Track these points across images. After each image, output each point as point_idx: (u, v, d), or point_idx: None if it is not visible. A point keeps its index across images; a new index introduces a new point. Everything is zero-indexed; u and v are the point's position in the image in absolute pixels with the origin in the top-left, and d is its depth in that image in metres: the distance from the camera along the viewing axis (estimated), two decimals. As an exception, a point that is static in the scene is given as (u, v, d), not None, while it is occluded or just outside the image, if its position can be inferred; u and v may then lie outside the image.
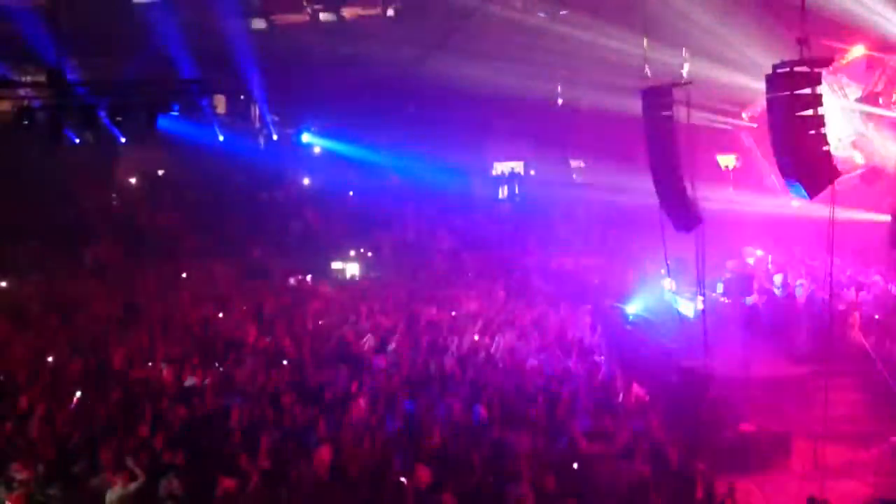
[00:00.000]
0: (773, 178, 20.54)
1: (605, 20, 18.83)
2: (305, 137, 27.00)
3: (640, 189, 16.49)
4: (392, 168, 25.44)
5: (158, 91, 16.22)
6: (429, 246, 23.80)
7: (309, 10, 20.36)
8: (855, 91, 19.34)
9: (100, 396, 13.67)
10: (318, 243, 23.36)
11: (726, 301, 18.82)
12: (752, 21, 17.24)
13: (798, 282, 19.13)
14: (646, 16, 15.58)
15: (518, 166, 28.62)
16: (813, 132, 10.53)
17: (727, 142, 23.93)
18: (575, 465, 11.26)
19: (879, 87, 18.99)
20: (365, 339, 16.57)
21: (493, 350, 15.97)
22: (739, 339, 17.19)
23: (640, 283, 19.90)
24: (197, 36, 18.85)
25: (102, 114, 15.18)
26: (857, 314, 16.88)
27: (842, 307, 17.15)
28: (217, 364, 15.70)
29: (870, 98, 19.10)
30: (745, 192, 23.25)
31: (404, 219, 24.97)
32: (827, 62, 10.69)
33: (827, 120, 10.56)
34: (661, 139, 14.29)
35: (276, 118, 25.57)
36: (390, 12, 20.69)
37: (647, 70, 15.19)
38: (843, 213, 15.68)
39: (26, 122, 15.08)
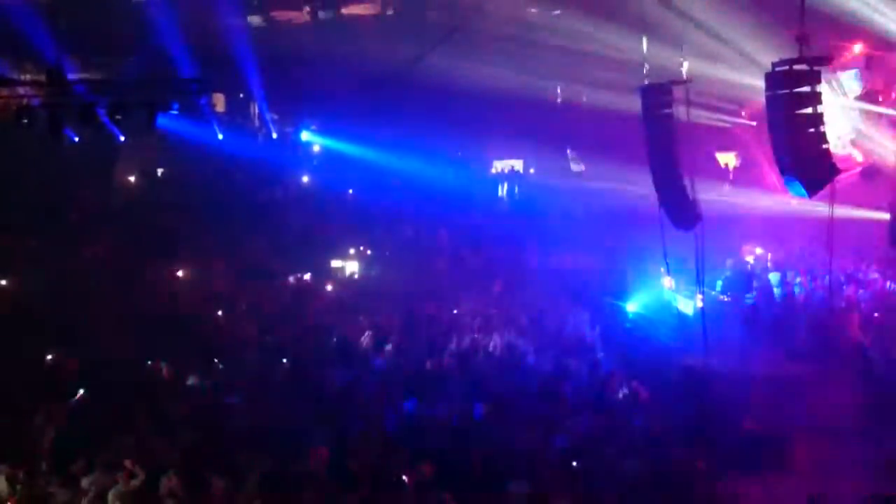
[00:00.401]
0: (773, 176, 20.54)
1: (604, 18, 18.82)
2: (305, 136, 27.01)
3: (640, 187, 16.50)
4: (391, 166, 25.41)
5: (158, 89, 16.20)
6: (428, 244, 23.78)
7: (308, 8, 20.36)
8: (854, 89, 19.35)
9: (100, 395, 13.66)
10: (318, 241, 23.33)
11: (726, 299, 18.83)
12: (751, 19, 17.24)
13: (797, 279, 19.14)
14: (645, 14, 15.58)
15: (517, 164, 28.64)
16: (812, 130, 10.52)
17: (727, 140, 23.95)
18: (574, 463, 11.27)
19: (878, 86, 19.01)
20: (364, 337, 16.58)
21: (491, 348, 15.97)
22: (739, 336, 17.21)
23: (640, 280, 19.90)
24: (196, 34, 18.83)
25: (102, 112, 15.16)
26: (856, 312, 16.89)
27: (841, 305, 17.16)
28: (217, 362, 15.70)
29: (869, 96, 19.11)
30: (745, 190, 23.28)
31: (403, 217, 24.96)
32: (826, 60, 10.68)
33: (826, 118, 10.55)
34: (661, 137, 14.29)
35: (276, 116, 25.59)
36: (389, 11, 20.70)
37: (647, 68, 15.19)
38: (843, 211, 15.69)
39: (26, 121, 15.05)
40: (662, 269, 18.25)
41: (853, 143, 19.93)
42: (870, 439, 12.87)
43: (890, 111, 18.68)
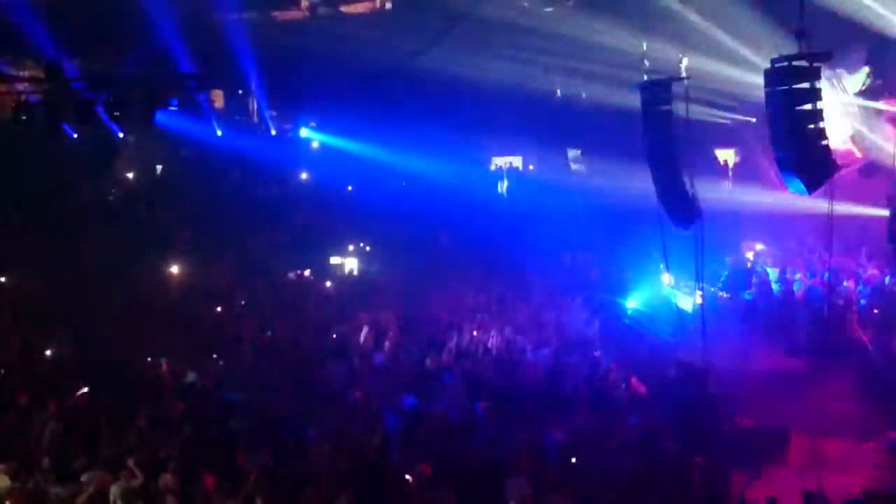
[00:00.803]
0: (772, 172, 20.53)
1: (603, 14, 18.80)
2: (303, 132, 26.97)
3: (639, 183, 16.48)
4: (390, 163, 25.39)
5: (156, 86, 16.19)
6: (427, 241, 23.77)
7: (307, 4, 20.31)
8: (854, 85, 19.34)
9: (99, 391, 13.66)
10: (317, 238, 23.32)
11: (725, 296, 18.83)
12: (750, 15, 17.22)
13: (796, 276, 19.14)
14: (644, 10, 15.56)
15: (516, 161, 28.61)
16: (812, 126, 10.51)
17: (726, 136, 23.91)
18: (573, 460, 11.28)
19: (878, 82, 18.99)
20: (363, 334, 16.58)
21: (490, 345, 15.97)
22: (738, 333, 17.22)
23: (639, 277, 19.90)
24: (195, 31, 18.80)
25: (100, 109, 15.15)
26: (855, 308, 16.90)
27: (840, 301, 17.16)
28: (216, 359, 15.70)
29: (869, 92, 19.10)
30: (744, 187, 23.25)
31: (403, 214, 24.94)
32: (826, 56, 10.66)
33: (826, 115, 10.54)
34: (660, 134, 14.26)
35: (274, 113, 25.55)
36: (388, 6, 20.66)
37: (646, 64, 15.17)
38: (842, 208, 15.68)
39: (24, 117, 15.05)
40: (661, 266, 18.25)
41: (852, 139, 19.91)
42: (868, 434, 12.89)
43: (889, 108, 18.66)
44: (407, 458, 11.07)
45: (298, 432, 12.12)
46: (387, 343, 16.20)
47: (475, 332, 16.64)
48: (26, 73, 18.76)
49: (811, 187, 10.68)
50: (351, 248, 23.73)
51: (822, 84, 10.53)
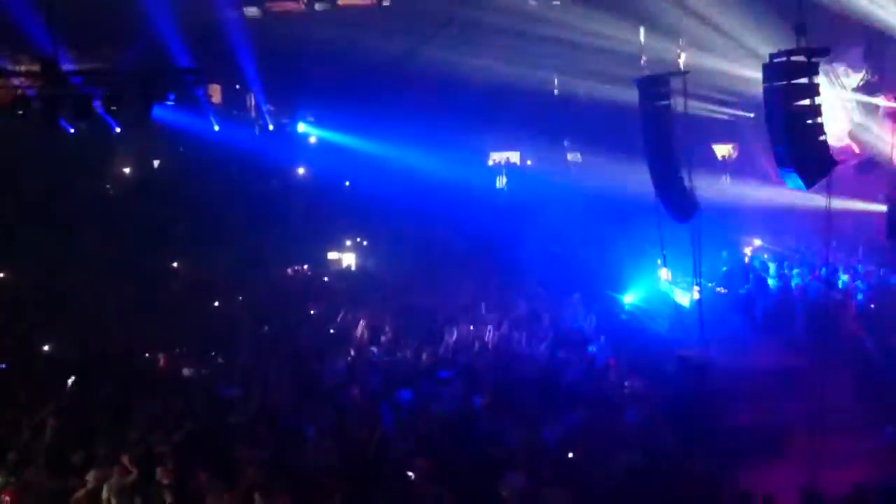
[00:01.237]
0: (770, 167, 20.52)
1: (601, 9, 18.77)
2: (301, 127, 26.93)
3: (637, 178, 16.47)
4: (388, 158, 25.37)
5: (153, 81, 16.12)
6: (425, 236, 23.76)
7: (304, -1, 20.30)
8: (852, 81, 19.33)
9: (97, 386, 13.65)
10: (314, 233, 23.31)
11: (723, 291, 18.84)
12: (748, 9, 17.20)
13: (794, 271, 19.15)
14: (642, 5, 15.53)
15: (514, 156, 28.60)
16: (810, 122, 10.50)
17: (724, 131, 23.92)
18: (570, 455, 11.28)
19: (876, 77, 18.98)
20: (360, 329, 16.57)
21: (488, 339, 15.97)
22: (736, 328, 17.24)
23: (637, 272, 19.90)
24: (192, 25, 18.76)
25: (97, 103, 15.10)
26: (853, 303, 16.91)
27: (838, 296, 17.17)
28: (214, 354, 15.70)
29: (867, 88, 19.09)
30: (742, 182, 23.26)
31: (400, 209, 24.92)
32: (824, 51, 10.65)
33: (824, 110, 10.53)
34: (658, 129, 14.27)
35: (272, 108, 25.50)
36: (386, 1, 20.62)
37: (644, 59, 15.17)
38: (840, 203, 15.68)
39: (21, 112, 14.99)
40: (659, 261, 18.26)
41: (851, 134, 19.91)
42: (866, 430, 12.90)
43: (888, 103, 18.65)
44: (404, 453, 11.06)
45: (296, 427, 12.11)
46: (383, 338, 16.20)
47: (472, 327, 16.64)
48: (23, 68, 18.68)
49: (809, 182, 10.67)
50: (348, 243, 23.72)
51: (820, 79, 10.52)
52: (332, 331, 16.93)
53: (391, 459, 11.01)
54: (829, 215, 11.39)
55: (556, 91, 24.95)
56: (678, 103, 13.96)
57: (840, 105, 19.48)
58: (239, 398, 13.28)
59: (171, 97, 15.53)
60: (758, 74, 10.98)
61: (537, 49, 21.69)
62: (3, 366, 15.01)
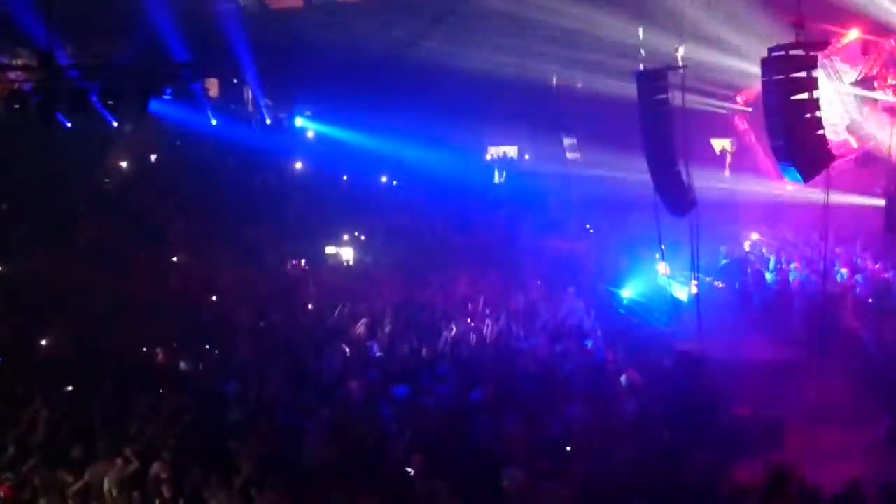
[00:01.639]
0: (768, 162, 20.54)
1: (600, 3, 18.76)
2: (299, 121, 26.90)
3: (635, 173, 16.47)
4: (386, 152, 25.35)
5: (151, 75, 16.09)
6: (423, 230, 23.76)
7: (303, -8, 20.27)
8: (850, 75, 19.33)
9: (94, 381, 13.64)
10: (312, 227, 23.28)
11: (721, 285, 18.85)
12: (747, 3, 17.19)
13: (792, 265, 19.17)
14: (641, -1, 15.55)
15: (512, 150, 28.59)
16: (808, 116, 10.51)
17: (722, 125, 23.92)
18: (568, 448, 11.29)
19: (874, 71, 18.98)
20: (359, 324, 16.56)
21: (486, 334, 15.97)
22: (733, 322, 17.24)
23: (635, 267, 19.91)
24: (190, 19, 18.73)
25: (94, 97, 15.06)
26: (850, 297, 16.92)
27: (835, 290, 17.19)
28: (211, 349, 15.68)
29: (865, 82, 19.09)
30: (740, 176, 23.27)
31: (398, 203, 24.92)
32: (822, 45, 10.65)
33: (822, 104, 10.54)
34: (656, 123, 14.26)
35: (269, 102, 25.47)
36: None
37: (642, 53, 15.16)
38: (838, 197, 15.69)
39: (17, 106, 14.94)
40: (657, 255, 18.27)
41: (849, 129, 19.92)
42: (863, 424, 12.92)
43: (886, 97, 18.66)
44: (402, 449, 11.06)
45: (294, 423, 12.11)
46: (381, 333, 16.18)
47: (470, 322, 16.63)
48: (19, 62, 18.65)
49: (807, 177, 10.68)
50: (346, 237, 23.70)
51: (818, 73, 10.52)
52: (329, 326, 16.90)
53: (389, 454, 11.01)
54: (826, 209, 11.39)
55: (554, 85, 24.93)
56: (676, 97, 13.96)
57: (838, 99, 19.49)
58: (236, 393, 13.26)
59: (169, 91, 15.50)
60: (756, 68, 10.98)
61: (535, 43, 21.69)
62: (0, 360, 14.99)
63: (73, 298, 17.73)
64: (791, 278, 18.51)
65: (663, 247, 16.74)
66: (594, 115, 23.59)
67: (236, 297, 19.02)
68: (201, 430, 11.76)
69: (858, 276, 18.15)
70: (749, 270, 19.37)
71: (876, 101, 19.13)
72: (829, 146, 10.77)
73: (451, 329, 16.08)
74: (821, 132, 10.64)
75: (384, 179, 26.73)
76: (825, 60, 17.99)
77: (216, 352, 15.58)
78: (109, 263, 19.34)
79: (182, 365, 14.93)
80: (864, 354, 15.27)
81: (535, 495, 9.84)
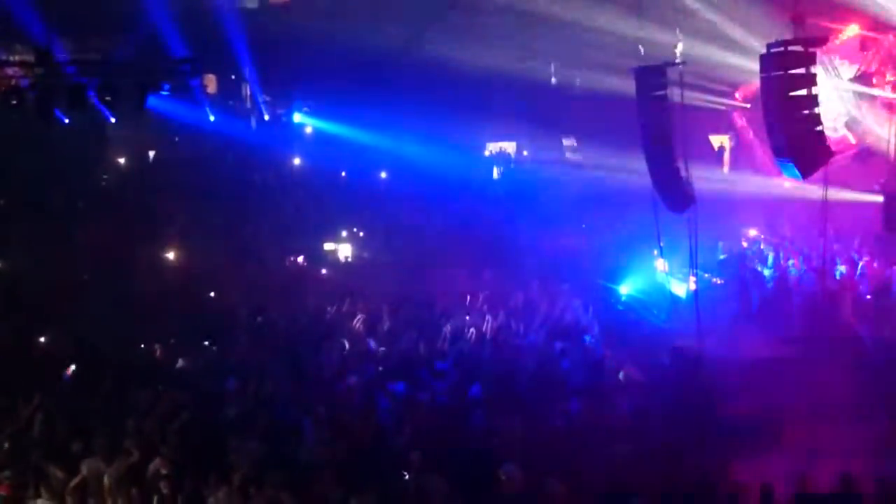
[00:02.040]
0: (767, 158, 20.53)
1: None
2: (297, 117, 26.87)
3: (634, 169, 16.47)
4: (384, 148, 25.33)
5: (148, 71, 16.08)
6: (421, 226, 23.75)
7: (301, -12, 20.23)
8: (848, 71, 19.30)
9: (93, 377, 13.63)
10: (310, 224, 23.28)
11: (719, 282, 18.84)
12: (746, 0, 17.18)
13: (790, 262, 19.16)
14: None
15: (510, 147, 28.58)
16: (806, 112, 10.51)
17: (721, 122, 23.91)
18: (567, 445, 11.28)
19: (873, 68, 18.96)
20: (357, 320, 16.55)
21: (484, 330, 15.97)
22: (732, 319, 17.24)
23: (633, 263, 19.91)
24: (188, 15, 18.69)
25: (92, 94, 15.04)
26: (848, 294, 16.92)
27: (834, 287, 17.19)
28: (209, 345, 15.68)
29: (863, 78, 19.07)
30: (739, 173, 23.26)
31: (397, 199, 24.92)
32: (821, 42, 10.64)
33: (820, 100, 10.53)
34: (655, 119, 14.26)
35: (268, 98, 25.43)
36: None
37: (641, 50, 15.15)
38: (836, 194, 15.68)
39: (15, 102, 14.92)
40: (655, 252, 18.27)
41: (847, 125, 19.90)
42: (861, 421, 12.93)
43: (884, 93, 18.63)
44: (401, 445, 11.06)
45: (292, 419, 12.10)
46: (380, 329, 16.19)
47: (468, 318, 16.63)
48: (17, 58, 18.61)
49: (805, 173, 10.69)
50: (344, 233, 23.69)
51: (817, 70, 10.51)
52: (328, 322, 16.90)
53: (388, 451, 11.01)
54: (825, 206, 11.39)
55: (553, 81, 24.91)
56: (675, 94, 13.95)
57: (836, 95, 19.47)
58: (235, 390, 13.25)
59: (167, 87, 15.51)
60: (755, 64, 10.97)
61: (535, 39, 21.67)
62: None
63: (72, 295, 17.73)
64: (789, 275, 18.51)
65: (662, 243, 16.74)
66: (593, 112, 23.56)
67: (235, 293, 19.02)
68: (200, 426, 11.74)
69: (858, 272, 18.15)
70: (748, 266, 19.38)
71: (874, 97, 19.10)
72: (827, 143, 10.77)
73: (450, 325, 16.09)
74: (819, 128, 10.64)
75: (384, 175, 26.71)
76: (824, 57, 17.95)
77: (215, 348, 15.58)
78: (108, 260, 19.34)
79: (180, 361, 14.92)
80: (862, 352, 15.28)
81: (533, 492, 9.84)
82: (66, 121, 18.30)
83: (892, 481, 9.66)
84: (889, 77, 18.81)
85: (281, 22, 21.02)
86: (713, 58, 18.56)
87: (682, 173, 13.99)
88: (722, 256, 20.18)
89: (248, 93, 25.89)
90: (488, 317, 16.44)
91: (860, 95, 19.36)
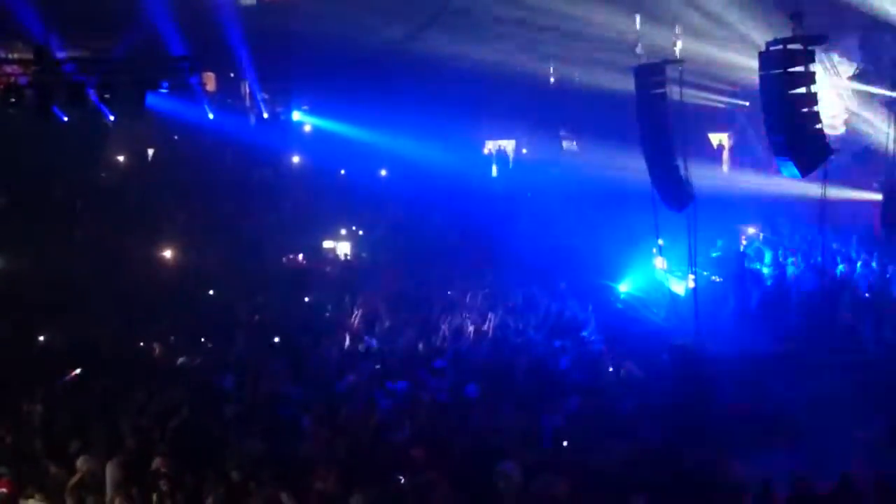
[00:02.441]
0: (766, 156, 20.53)
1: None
2: (296, 115, 26.85)
3: (633, 167, 16.45)
4: (383, 146, 25.32)
5: (147, 68, 16.07)
6: (420, 224, 23.75)
7: (300, -15, 20.20)
8: (847, 69, 19.31)
9: (92, 375, 13.63)
10: (309, 222, 23.29)
11: (718, 280, 18.85)
12: (745, -3, 17.18)
13: (789, 260, 19.17)
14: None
15: (509, 144, 28.58)
16: (806, 110, 10.51)
17: (720, 120, 23.90)
18: (565, 443, 11.30)
19: (872, 66, 18.97)
20: (355, 317, 16.54)
21: (483, 328, 15.98)
22: (731, 317, 17.24)
23: (632, 261, 19.91)
24: (187, 12, 18.66)
25: (91, 91, 15.04)
26: (847, 292, 16.93)
27: (833, 286, 17.20)
28: (207, 342, 15.69)
29: (862, 76, 19.08)
30: (738, 171, 23.26)
31: (396, 197, 24.92)
32: (821, 39, 10.64)
33: (819, 98, 10.53)
34: (654, 117, 14.26)
35: (267, 96, 25.41)
36: (381, -11, 20.54)
37: (640, 48, 15.13)
38: (835, 192, 15.69)
39: (14, 100, 14.91)
40: (654, 250, 18.27)
41: (846, 123, 19.91)
42: (859, 419, 12.94)
43: (883, 91, 18.63)
44: (400, 442, 11.06)
45: (292, 417, 12.11)
46: (379, 327, 16.19)
47: (467, 316, 16.63)
48: (15, 55, 18.60)
49: (804, 171, 10.69)
50: (343, 231, 23.70)
51: (816, 67, 10.51)
52: (327, 319, 16.91)
53: (387, 448, 11.01)
54: (824, 204, 11.39)
55: (552, 79, 24.90)
56: (674, 92, 13.94)
57: (836, 93, 19.47)
58: (234, 387, 13.26)
59: (166, 85, 15.51)
60: (754, 62, 10.97)
61: (533, 37, 21.64)
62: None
63: (71, 293, 17.73)
64: (788, 273, 18.52)
65: (661, 241, 16.74)
66: (592, 110, 23.56)
67: (234, 291, 19.03)
68: (198, 424, 11.75)
69: (856, 270, 18.16)
70: (747, 264, 19.39)
71: (874, 95, 19.11)
72: (826, 141, 10.77)
73: (449, 323, 16.10)
74: (818, 126, 10.64)
75: (383, 173, 26.71)
76: (823, 55, 17.95)
77: (213, 346, 15.58)
78: (107, 258, 19.34)
79: (179, 359, 14.92)
80: (861, 349, 15.29)
81: (532, 490, 9.85)
82: (65, 118, 18.31)
83: (891, 479, 9.66)
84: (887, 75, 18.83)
85: (280, 20, 20.98)
86: (713, 55, 18.54)
87: (682, 171, 13.98)
88: (714, 254, 20.13)
89: (247, 91, 25.87)
90: (490, 314, 16.45)
91: (859, 94, 19.36)
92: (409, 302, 17.66)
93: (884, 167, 17.83)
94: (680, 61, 14.22)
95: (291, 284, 19.72)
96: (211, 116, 22.66)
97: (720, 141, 25.11)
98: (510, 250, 21.16)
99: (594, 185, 23.51)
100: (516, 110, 25.99)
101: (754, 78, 11.32)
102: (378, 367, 14.13)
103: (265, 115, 25.46)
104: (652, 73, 14.18)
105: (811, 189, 14.73)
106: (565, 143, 27.32)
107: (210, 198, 22.99)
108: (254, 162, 25.32)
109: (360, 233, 24.05)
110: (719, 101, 22.62)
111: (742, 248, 20.95)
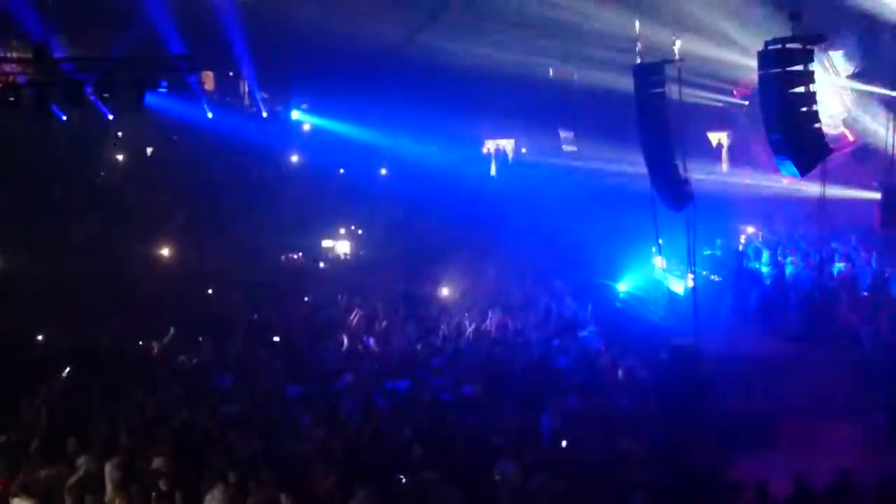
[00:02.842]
0: (765, 155, 20.51)
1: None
2: (295, 114, 26.85)
3: (632, 166, 16.45)
4: (382, 145, 25.32)
5: (146, 67, 16.06)
6: (419, 223, 23.74)
7: (299, -16, 20.17)
8: (846, 68, 19.29)
9: (91, 374, 13.62)
10: (308, 221, 23.28)
11: (717, 279, 18.85)
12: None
13: (788, 259, 19.17)
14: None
15: (508, 143, 28.58)
16: (805, 109, 10.51)
17: (719, 119, 23.90)
18: (563, 443, 11.29)
19: (871, 65, 18.95)
20: (353, 315, 16.53)
21: (483, 327, 15.97)
22: (729, 316, 17.24)
23: (631, 260, 19.90)
24: (185, 11, 18.65)
25: (89, 90, 15.03)
26: (846, 291, 16.93)
27: (831, 284, 17.19)
28: (206, 341, 15.68)
29: (861, 75, 19.07)
30: (737, 170, 23.26)
31: (395, 196, 24.91)
32: (820, 38, 10.64)
33: (818, 97, 10.53)
34: (653, 116, 14.25)
35: (266, 95, 25.41)
36: (381, -13, 20.52)
37: (639, 47, 15.12)
38: (834, 191, 15.69)
39: (12, 99, 14.89)
40: (654, 249, 18.26)
41: (845, 122, 19.90)
42: (859, 418, 12.94)
43: (882, 90, 18.62)
44: (399, 441, 11.06)
45: (290, 416, 12.10)
46: (378, 326, 16.19)
47: (466, 315, 16.63)
48: (14, 55, 18.59)
49: (803, 170, 10.68)
50: (342, 230, 23.69)
51: (815, 67, 10.51)
52: (326, 319, 16.90)
53: (386, 447, 11.01)
54: (823, 202, 11.38)
55: (551, 78, 24.90)
56: (673, 91, 13.94)
57: (834, 92, 19.46)
58: (232, 387, 13.25)
59: (164, 84, 15.49)
60: (753, 62, 10.97)
61: (533, 36, 21.63)
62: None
63: (70, 292, 17.72)
64: (787, 272, 18.51)
65: (660, 240, 16.74)
66: (591, 109, 23.57)
67: (232, 290, 19.02)
68: (197, 423, 11.74)
69: (855, 269, 18.16)
70: (746, 263, 19.39)
71: (873, 94, 19.10)
72: (825, 140, 10.77)
73: (448, 322, 16.10)
74: (817, 126, 10.64)
75: (383, 172, 26.70)
76: (821, 54, 17.94)
77: (212, 345, 15.57)
78: (106, 257, 19.33)
79: (179, 359, 14.91)
80: (860, 348, 15.28)
81: (530, 488, 9.84)
82: (64, 118, 18.30)
83: (890, 478, 9.66)
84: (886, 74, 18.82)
85: (279, 18, 20.95)
86: (712, 55, 18.53)
87: (681, 171, 13.97)
88: (707, 252, 20.08)
89: (246, 90, 25.88)
90: (490, 312, 16.44)
91: (858, 93, 19.35)
92: (408, 301, 17.65)
93: (883, 166, 17.86)
94: (679, 60, 14.21)
95: (290, 283, 19.71)
96: (210, 115, 22.64)
97: (719, 140, 25.11)
98: (509, 249, 21.16)
99: (593, 183, 23.52)
100: (515, 109, 25.99)
101: (754, 77, 11.32)
102: (377, 365, 14.12)
103: (264, 114, 25.47)
104: (651, 72, 14.18)
105: (810, 188, 14.73)
106: (565, 142, 27.33)
107: (208, 196, 22.96)
108: (252, 161, 25.32)
109: (360, 232, 24.03)
110: (718, 99, 22.62)
111: (741, 248, 20.95)
